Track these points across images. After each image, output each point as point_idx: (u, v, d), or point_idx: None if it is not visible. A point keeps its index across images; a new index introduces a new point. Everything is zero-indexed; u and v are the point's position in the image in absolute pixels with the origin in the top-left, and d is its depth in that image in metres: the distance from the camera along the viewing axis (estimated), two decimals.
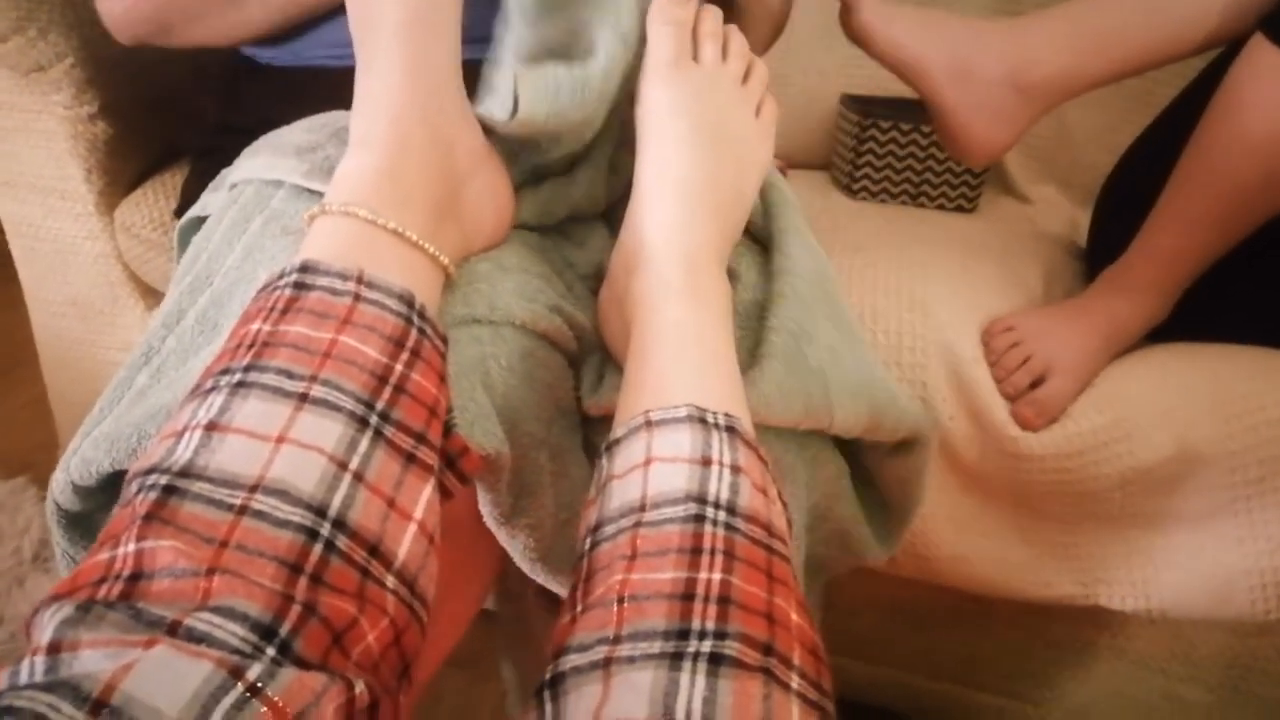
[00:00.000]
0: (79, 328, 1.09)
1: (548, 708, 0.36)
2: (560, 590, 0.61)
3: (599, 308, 0.62)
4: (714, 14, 0.64)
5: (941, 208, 1.22)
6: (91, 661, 0.30)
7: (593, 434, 0.62)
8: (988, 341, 0.89)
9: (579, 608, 0.40)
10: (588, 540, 0.44)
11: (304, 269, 0.44)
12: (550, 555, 0.58)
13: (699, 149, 0.59)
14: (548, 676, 0.37)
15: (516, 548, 0.57)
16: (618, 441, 0.47)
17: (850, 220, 1.12)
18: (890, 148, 1.20)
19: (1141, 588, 0.89)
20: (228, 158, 0.72)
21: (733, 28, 0.66)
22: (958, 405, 0.86)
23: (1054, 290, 1.02)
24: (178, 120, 1.07)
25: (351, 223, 0.48)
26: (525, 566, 0.59)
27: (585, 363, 0.62)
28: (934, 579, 0.93)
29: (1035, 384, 0.86)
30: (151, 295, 1.06)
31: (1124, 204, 0.96)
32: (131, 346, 1.08)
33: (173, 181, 1.03)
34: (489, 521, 0.56)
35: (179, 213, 0.89)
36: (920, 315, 0.89)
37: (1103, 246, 0.99)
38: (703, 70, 0.62)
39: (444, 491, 0.47)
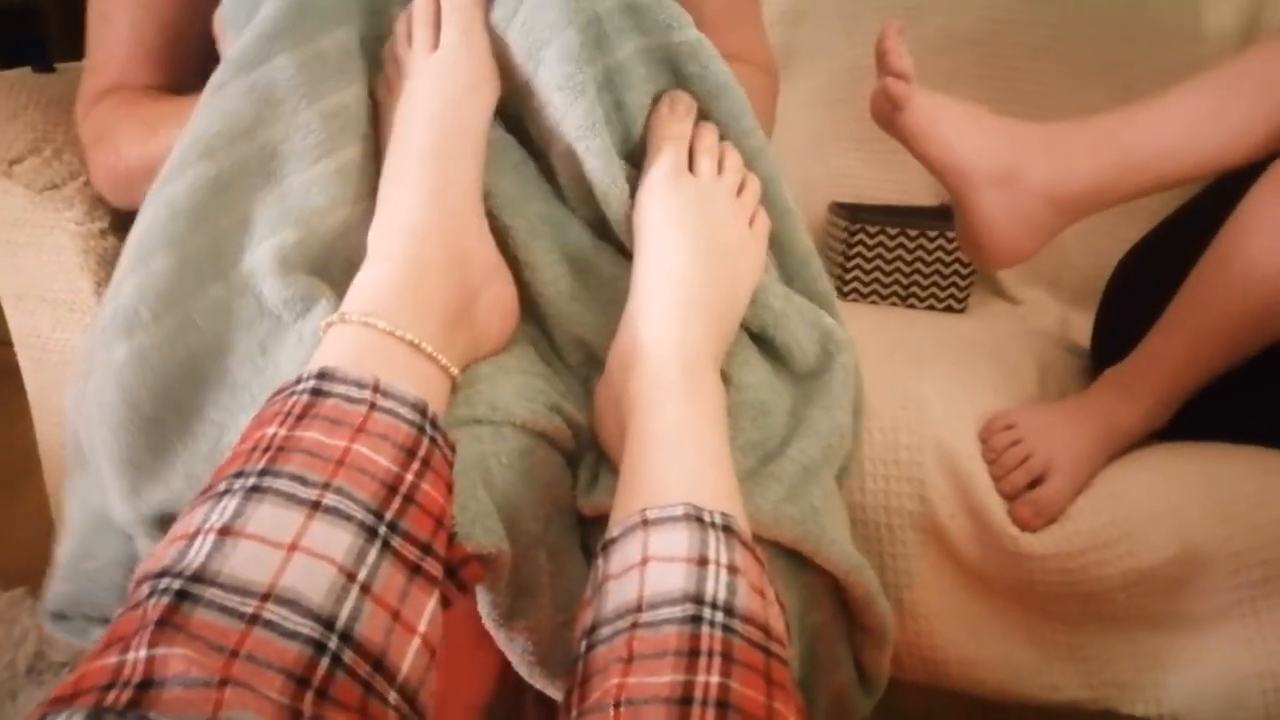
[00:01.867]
0: None
1: None
2: (558, 696, 0.60)
3: (595, 405, 0.63)
4: (711, 131, 0.68)
5: (931, 308, 1.24)
6: None
7: (587, 535, 0.62)
8: (986, 438, 0.89)
9: (574, 713, 0.40)
10: (584, 642, 0.44)
11: (322, 375, 0.46)
12: (548, 659, 0.58)
13: (695, 256, 0.61)
14: None
15: (515, 650, 0.57)
16: (614, 540, 0.47)
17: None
18: (879, 251, 1.22)
19: (1151, 691, 0.87)
20: None
21: (728, 144, 0.69)
22: (957, 504, 0.86)
23: (1049, 386, 1.03)
24: None
25: (370, 333, 0.50)
26: (524, 670, 0.59)
27: (580, 462, 0.63)
28: (943, 683, 0.91)
29: (1033, 483, 0.86)
30: None
31: (1131, 304, 0.97)
32: None
33: None
34: (488, 623, 0.56)
35: None
36: (915, 413, 0.90)
37: (1108, 345, 1.00)
38: (700, 183, 0.65)
39: (443, 600, 0.47)
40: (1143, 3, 1.26)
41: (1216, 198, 0.87)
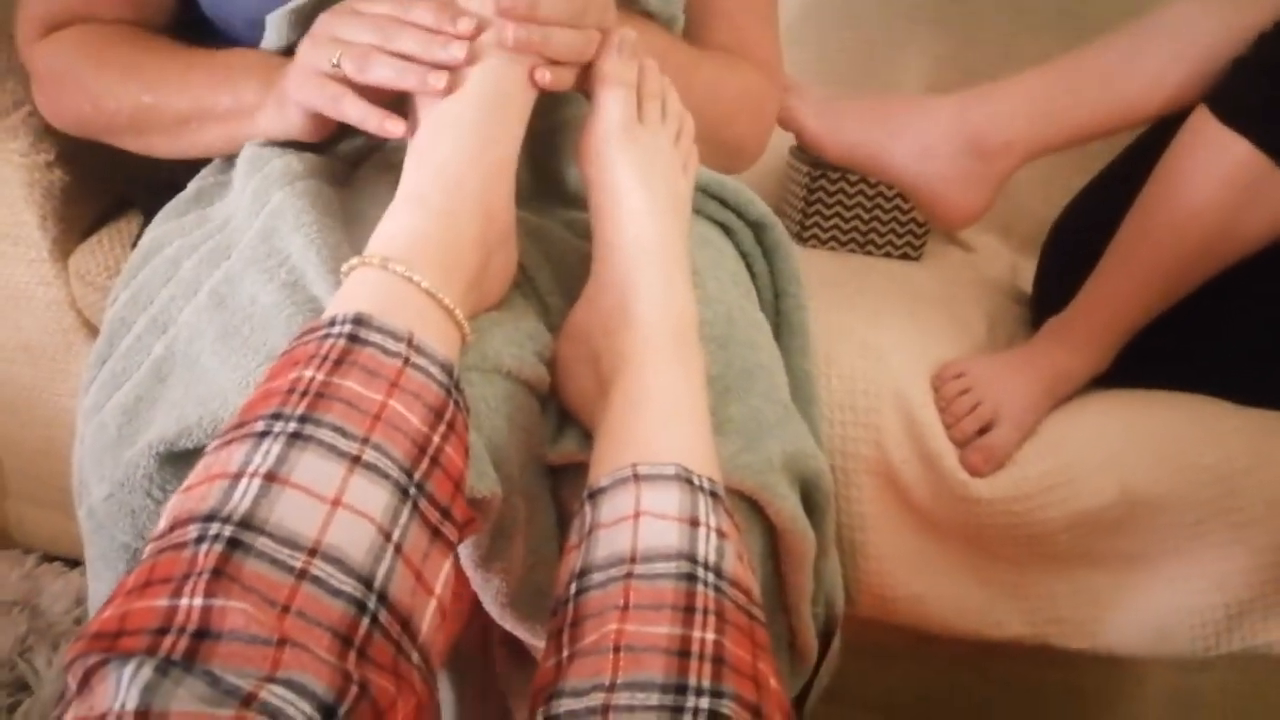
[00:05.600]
0: (29, 374, 1.08)
1: None
2: (526, 636, 0.62)
3: (559, 365, 0.62)
4: (654, 73, 0.67)
5: (888, 255, 1.25)
6: None
7: (554, 482, 0.63)
8: (938, 387, 0.92)
9: (566, 652, 0.41)
10: (573, 585, 0.45)
11: (359, 321, 0.45)
12: (518, 600, 0.59)
13: (664, 216, 0.61)
14: (540, 718, 0.38)
15: (489, 591, 0.58)
16: (603, 490, 0.48)
17: (802, 268, 1.15)
18: (839, 198, 1.23)
19: (1088, 627, 0.92)
20: None
21: (669, 84, 0.68)
22: (911, 449, 0.89)
23: (997, 335, 1.06)
24: (134, 169, 1.06)
25: (403, 284, 0.49)
26: (494, 611, 0.60)
27: (546, 409, 0.63)
28: (892, 618, 0.94)
29: (983, 430, 0.89)
30: None
31: (1069, 255, 1.00)
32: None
33: (128, 229, 1.03)
34: (466, 564, 0.57)
35: None
36: (873, 361, 0.92)
37: (1048, 295, 1.03)
38: (649, 132, 0.64)
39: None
40: None
41: (1147, 148, 0.91)
